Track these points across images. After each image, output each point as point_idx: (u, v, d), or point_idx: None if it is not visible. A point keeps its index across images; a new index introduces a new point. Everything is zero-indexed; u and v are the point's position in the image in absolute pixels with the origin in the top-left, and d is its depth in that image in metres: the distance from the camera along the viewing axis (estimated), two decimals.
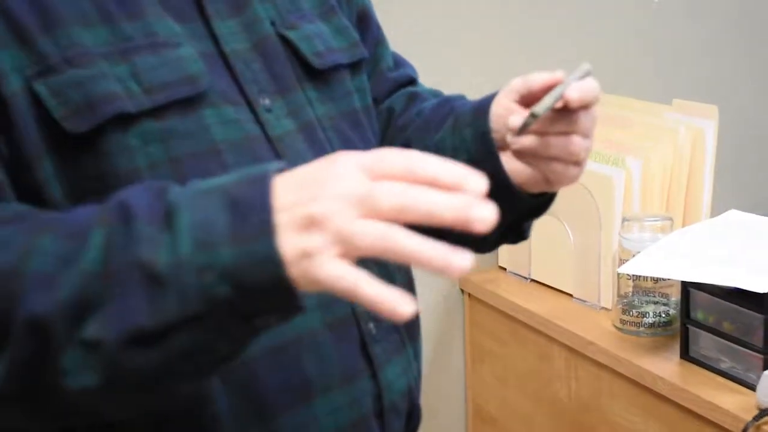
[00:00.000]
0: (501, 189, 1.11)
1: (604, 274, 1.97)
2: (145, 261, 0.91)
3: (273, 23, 1.20)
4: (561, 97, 1.09)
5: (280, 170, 0.93)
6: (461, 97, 1.35)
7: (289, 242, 0.88)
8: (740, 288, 1.58)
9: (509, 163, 1.15)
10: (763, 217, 1.87)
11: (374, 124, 1.32)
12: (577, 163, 1.16)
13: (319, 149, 1.17)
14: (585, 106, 1.13)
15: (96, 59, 1.04)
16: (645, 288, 1.84)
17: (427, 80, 1.50)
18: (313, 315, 1.08)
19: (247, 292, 0.91)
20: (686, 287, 1.71)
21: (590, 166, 1.81)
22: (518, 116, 1.11)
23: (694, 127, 2.06)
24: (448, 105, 1.31)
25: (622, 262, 1.82)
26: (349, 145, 1.22)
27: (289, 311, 0.94)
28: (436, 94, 1.41)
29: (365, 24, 1.37)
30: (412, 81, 1.43)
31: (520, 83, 1.17)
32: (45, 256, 0.94)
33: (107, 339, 0.91)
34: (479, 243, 1.15)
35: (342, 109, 1.25)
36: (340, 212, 0.87)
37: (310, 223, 0.87)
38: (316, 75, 1.22)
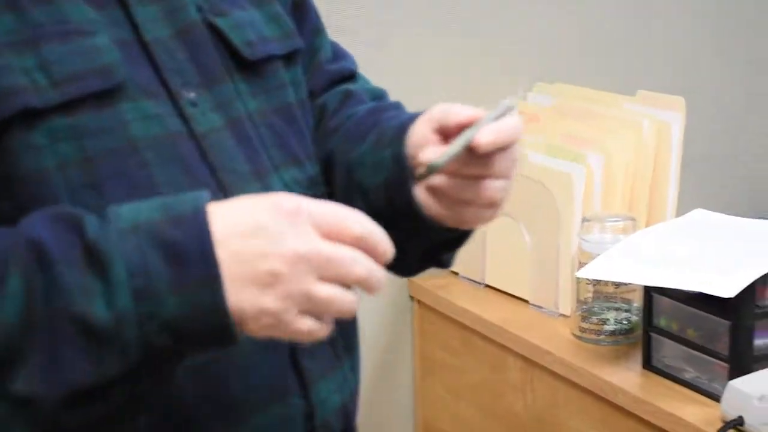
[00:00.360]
0: (413, 218, 1.14)
1: (562, 279, 1.95)
2: (78, 314, 0.92)
3: (200, 9, 1.17)
4: (470, 141, 1.07)
5: (206, 201, 0.96)
6: (394, 106, 1.35)
7: (245, 299, 0.93)
8: (705, 293, 1.56)
9: (423, 194, 1.14)
10: (731, 216, 1.86)
11: (309, 119, 1.31)
12: (492, 205, 1.14)
13: (248, 147, 1.17)
14: (501, 149, 1.10)
15: (1, 50, 1.01)
16: (606, 293, 1.82)
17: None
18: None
19: (187, 339, 0.95)
20: (649, 292, 1.70)
21: (549, 162, 2.01)
22: (430, 150, 1.10)
23: (659, 120, 2.05)
24: (377, 116, 1.29)
25: (581, 265, 1.78)
26: (282, 142, 1.22)
27: (224, 347, 0.97)
28: (373, 93, 1.41)
29: (302, 11, 1.36)
30: (351, 75, 1.42)
31: (439, 114, 1.15)
32: None
33: (42, 395, 0.92)
34: (400, 268, 1.17)
35: (275, 104, 1.23)
36: (299, 274, 0.93)
37: (268, 283, 0.93)
38: (247, 66, 1.20)
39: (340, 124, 1.31)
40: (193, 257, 0.94)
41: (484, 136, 1.06)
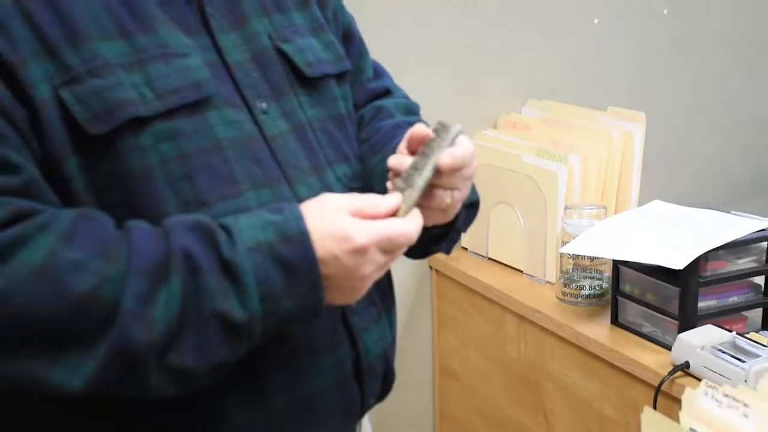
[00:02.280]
0: None
1: (548, 254, 1.98)
2: (219, 312, 0.98)
3: (270, 37, 1.19)
4: (436, 164, 1.09)
5: (305, 222, 1.01)
6: (409, 123, 1.31)
7: (335, 296, 1.03)
8: (661, 265, 1.58)
9: None
10: (682, 206, 1.86)
11: (354, 127, 1.31)
12: (443, 210, 1.17)
13: (308, 148, 1.17)
14: (454, 170, 1.12)
15: (114, 69, 1.04)
16: (583, 265, 1.85)
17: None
18: None
19: (291, 324, 1.05)
20: (616, 264, 1.72)
21: (538, 162, 2.01)
22: (392, 157, 1.13)
23: (625, 130, 2.07)
24: (395, 131, 1.29)
25: (564, 243, 1.82)
26: (335, 144, 1.22)
27: (307, 323, 1.08)
28: (406, 107, 1.40)
29: (349, 40, 1.35)
30: (387, 92, 1.40)
31: (408, 134, 1.16)
32: (128, 292, 0.97)
33: (196, 369, 0.99)
34: (411, 255, 1.24)
35: (329, 113, 1.23)
36: (371, 278, 1.04)
37: (354, 287, 1.03)
38: (306, 82, 1.21)
39: (369, 135, 1.32)
40: (302, 270, 1.00)
41: (444, 160, 1.09)
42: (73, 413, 1.07)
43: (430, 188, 1.11)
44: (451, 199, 1.13)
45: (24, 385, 0.99)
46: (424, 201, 1.11)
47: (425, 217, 1.12)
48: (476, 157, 1.16)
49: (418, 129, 1.11)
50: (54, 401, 1.04)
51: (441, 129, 1.10)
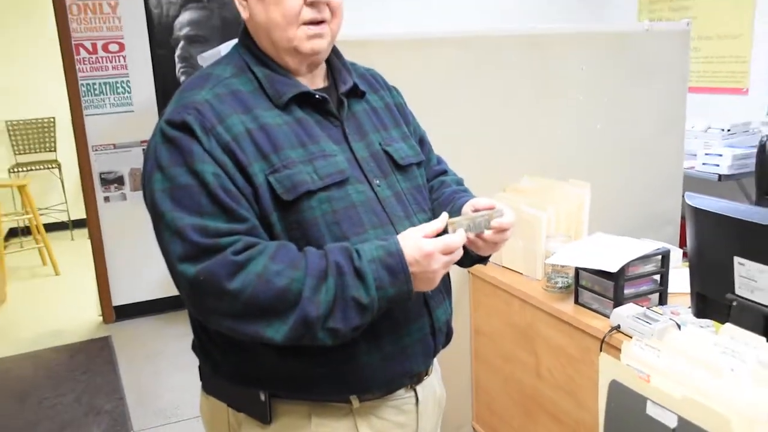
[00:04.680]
0: (465, 250, 1.15)
1: (538, 263, 2.06)
2: (355, 297, 1.01)
3: (380, 143, 1.21)
4: (486, 222, 1.10)
5: (399, 244, 1.03)
6: (464, 190, 1.31)
7: (420, 285, 1.05)
8: (603, 270, 1.69)
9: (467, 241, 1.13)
10: (615, 236, 1.94)
11: (427, 192, 1.30)
12: (490, 250, 1.18)
13: (402, 204, 1.19)
14: (500, 231, 1.14)
15: (297, 164, 1.08)
16: (557, 269, 1.92)
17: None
18: None
19: (394, 303, 1.05)
20: (577, 269, 1.81)
21: (531, 210, 2.03)
22: (457, 217, 1.11)
23: (579, 192, 2.15)
24: (454, 195, 1.27)
25: (547, 256, 1.91)
26: (417, 202, 1.23)
27: (404, 302, 1.07)
28: (456, 180, 1.37)
29: (423, 144, 1.37)
30: (445, 172, 1.39)
31: (473, 201, 1.18)
32: (306, 287, 1.00)
33: (343, 330, 1.02)
34: (462, 265, 1.23)
35: (413, 184, 1.24)
36: (439, 272, 1.05)
37: (429, 278, 1.04)
38: (400, 168, 1.22)
39: (437, 197, 1.30)
40: (399, 271, 1.03)
41: (500, 220, 1.11)
42: (277, 350, 1.09)
43: (486, 241, 1.11)
44: (496, 246, 1.17)
45: (251, 337, 1.02)
46: (481, 246, 1.13)
47: (483, 249, 1.15)
48: (514, 227, 1.16)
49: (486, 201, 1.16)
50: (266, 345, 1.07)
51: (497, 208, 1.14)
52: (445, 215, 1.08)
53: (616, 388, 1.02)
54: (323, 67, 1.21)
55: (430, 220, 1.16)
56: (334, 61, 1.23)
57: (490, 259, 1.34)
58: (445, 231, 1.06)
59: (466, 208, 1.17)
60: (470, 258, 1.20)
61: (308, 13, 1.10)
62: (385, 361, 1.13)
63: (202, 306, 1.02)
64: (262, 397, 1.12)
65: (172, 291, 1.64)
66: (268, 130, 1.07)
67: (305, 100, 1.14)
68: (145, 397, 3.25)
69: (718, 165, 3.55)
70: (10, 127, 6.05)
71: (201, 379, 1.23)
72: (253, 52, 1.15)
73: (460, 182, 1.37)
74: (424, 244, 1.01)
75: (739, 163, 3.52)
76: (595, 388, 1.07)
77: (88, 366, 3.59)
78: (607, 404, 1.03)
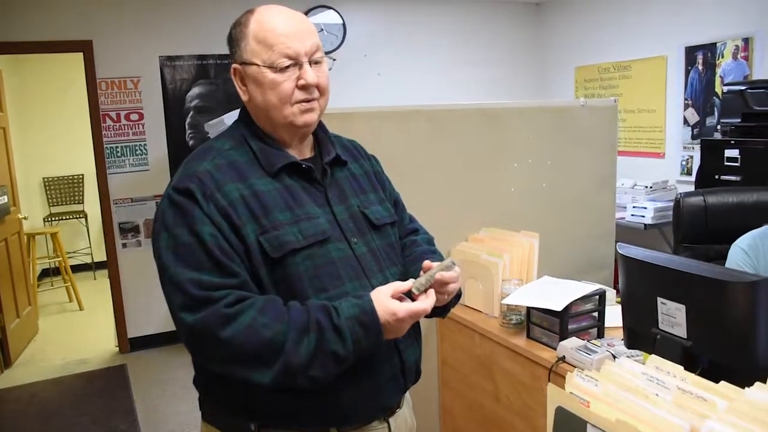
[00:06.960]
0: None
1: (495, 302, 2.05)
2: (333, 350, 0.99)
3: (358, 206, 1.19)
4: (432, 280, 1.07)
5: (373, 303, 1.00)
6: (431, 251, 1.27)
7: (388, 337, 1.03)
8: (550, 308, 1.70)
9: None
10: (560, 279, 1.94)
11: (399, 249, 1.27)
12: (442, 301, 1.13)
13: (376, 259, 1.16)
14: (444, 283, 1.11)
15: (284, 226, 1.06)
16: (512, 308, 1.90)
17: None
18: None
19: (368, 352, 1.03)
20: (528, 308, 1.80)
21: (488, 257, 2.02)
22: (411, 280, 1.07)
23: (529, 242, 2.15)
24: (423, 256, 1.23)
25: (503, 297, 1.89)
26: (389, 257, 1.20)
27: (376, 349, 1.04)
28: (428, 239, 1.33)
29: (397, 205, 1.34)
30: (416, 231, 1.35)
31: (426, 263, 1.12)
32: (289, 339, 0.98)
33: (322, 377, 1.00)
34: (429, 316, 1.12)
35: (387, 242, 1.22)
36: (406, 327, 1.03)
37: (398, 330, 1.03)
38: (376, 227, 1.20)
39: (408, 254, 1.27)
40: (372, 327, 1.01)
41: (439, 277, 1.07)
42: (265, 387, 1.03)
43: (441, 286, 1.09)
44: (447, 295, 1.14)
45: (242, 380, 1.00)
46: (438, 294, 1.10)
47: (438, 301, 1.12)
48: (460, 277, 1.15)
49: (428, 263, 1.11)
50: (253, 387, 1.02)
51: (448, 263, 1.10)
52: (411, 281, 1.07)
53: (561, 412, 1.01)
54: (311, 139, 1.20)
55: (400, 273, 1.17)
56: (320, 135, 1.22)
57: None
58: (409, 292, 1.05)
59: (425, 267, 1.13)
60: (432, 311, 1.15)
61: (300, 95, 1.10)
62: (360, 397, 1.11)
63: (199, 351, 1.01)
64: (253, 428, 1.09)
65: None
66: (260, 195, 1.06)
67: (294, 168, 1.13)
68: (156, 418, 3.21)
69: (643, 216, 3.62)
70: (46, 183, 6.13)
71: (200, 409, 1.20)
72: (250, 127, 1.15)
73: (430, 241, 1.34)
74: (397, 310, 1.00)
75: (659, 215, 3.60)
76: (546, 411, 1.07)
77: (106, 390, 3.55)
78: (554, 427, 1.02)
